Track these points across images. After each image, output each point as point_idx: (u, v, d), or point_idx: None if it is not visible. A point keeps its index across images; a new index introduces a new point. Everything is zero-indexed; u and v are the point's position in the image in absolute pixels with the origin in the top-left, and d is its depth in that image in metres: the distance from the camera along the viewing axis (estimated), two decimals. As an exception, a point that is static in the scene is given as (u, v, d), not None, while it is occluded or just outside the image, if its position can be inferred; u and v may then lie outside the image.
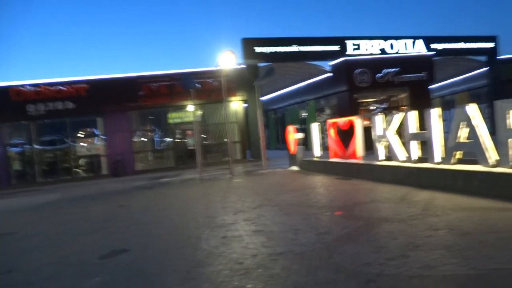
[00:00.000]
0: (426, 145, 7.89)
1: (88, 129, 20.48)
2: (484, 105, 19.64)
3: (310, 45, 21.01)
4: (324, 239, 4.67)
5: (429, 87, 21.84)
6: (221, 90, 14.66)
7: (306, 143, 14.83)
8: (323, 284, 3.32)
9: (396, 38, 21.95)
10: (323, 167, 12.13)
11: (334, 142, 12.10)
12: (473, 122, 6.69)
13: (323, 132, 15.05)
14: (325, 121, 15.49)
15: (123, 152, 19.64)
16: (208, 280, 3.69)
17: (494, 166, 6.36)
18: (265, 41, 20.51)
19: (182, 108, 20.23)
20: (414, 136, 8.34)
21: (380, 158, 9.42)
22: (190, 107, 15.97)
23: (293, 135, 14.25)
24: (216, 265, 4.09)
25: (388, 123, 9.00)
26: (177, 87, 18.33)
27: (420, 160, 8.24)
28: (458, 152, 7.24)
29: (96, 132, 20.39)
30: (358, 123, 10.52)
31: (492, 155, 6.44)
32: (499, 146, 6.27)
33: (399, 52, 21.77)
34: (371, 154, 9.82)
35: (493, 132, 6.32)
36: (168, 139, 21.14)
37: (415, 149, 8.38)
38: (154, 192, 11.87)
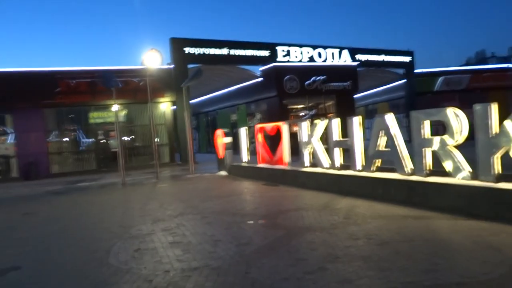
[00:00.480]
0: (348, 153, 8.04)
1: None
2: (402, 115, 20.98)
3: (241, 48, 20.88)
4: (243, 251, 4.45)
5: (354, 96, 22.84)
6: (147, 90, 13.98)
7: (235, 147, 14.62)
8: (237, 304, 3.07)
9: (324, 47, 22.63)
10: (251, 173, 12.00)
11: (262, 147, 12.03)
12: (391, 131, 6.92)
13: (252, 136, 14.96)
14: (254, 126, 15.42)
15: (36, 153, 17.87)
16: (109, 304, 3.26)
17: (410, 174, 6.60)
18: (195, 42, 19.96)
19: (105, 107, 19.01)
20: (337, 144, 8.47)
21: (306, 165, 9.46)
22: (115, 107, 14.99)
23: (221, 139, 13.95)
24: (121, 284, 3.67)
25: (313, 129, 9.07)
26: (98, 85, 17.14)
27: (343, 167, 8.39)
28: (377, 160, 7.44)
29: (8, 130, 18.40)
30: (285, 129, 10.50)
31: (407, 163, 6.68)
32: (415, 155, 6.53)
33: (326, 60, 22.49)
34: (298, 161, 9.85)
35: (410, 140, 6.58)
36: (89, 140, 19.71)
37: (338, 157, 8.51)
38: (68, 198, 10.88)
